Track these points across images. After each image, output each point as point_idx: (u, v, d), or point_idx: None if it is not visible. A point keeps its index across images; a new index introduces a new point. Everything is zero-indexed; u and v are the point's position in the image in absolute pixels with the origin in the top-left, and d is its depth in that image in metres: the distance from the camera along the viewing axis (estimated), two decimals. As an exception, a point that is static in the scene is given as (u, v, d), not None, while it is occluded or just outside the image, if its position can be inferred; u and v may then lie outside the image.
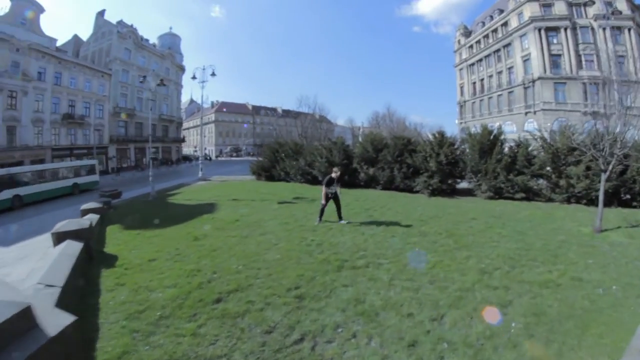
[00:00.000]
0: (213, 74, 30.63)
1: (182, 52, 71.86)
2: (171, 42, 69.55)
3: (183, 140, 67.08)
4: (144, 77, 26.48)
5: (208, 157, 76.91)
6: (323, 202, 9.23)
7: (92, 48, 51.77)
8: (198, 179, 26.74)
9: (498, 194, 13.98)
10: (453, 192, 15.50)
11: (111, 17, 63.53)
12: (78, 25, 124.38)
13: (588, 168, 12.36)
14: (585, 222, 9.56)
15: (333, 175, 9.34)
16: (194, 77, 33.79)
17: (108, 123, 47.37)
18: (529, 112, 45.27)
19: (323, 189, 9.18)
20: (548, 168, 13.70)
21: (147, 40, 60.82)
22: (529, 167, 14.03)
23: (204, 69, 31.91)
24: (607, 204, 11.71)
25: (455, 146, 16.02)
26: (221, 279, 5.40)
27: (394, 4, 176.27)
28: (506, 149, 15.08)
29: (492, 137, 15.04)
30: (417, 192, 15.56)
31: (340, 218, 9.38)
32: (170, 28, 74.83)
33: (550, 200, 13.34)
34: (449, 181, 15.51)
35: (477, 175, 14.88)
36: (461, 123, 60.89)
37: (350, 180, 17.44)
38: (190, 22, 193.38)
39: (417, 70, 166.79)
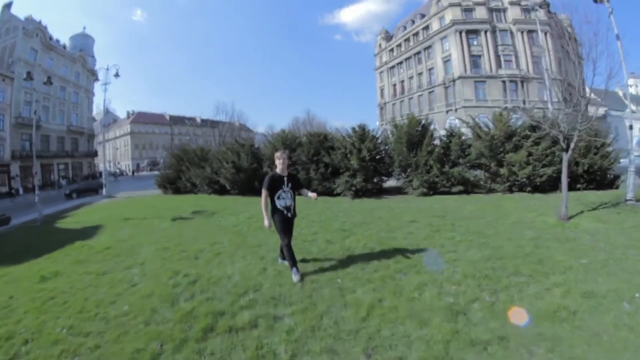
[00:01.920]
0: (117, 75, 26.65)
1: (97, 56, 64.08)
2: (83, 44, 61.59)
3: (95, 154, 59.40)
4: (28, 72, 21.03)
5: (122, 173, 69.83)
6: (266, 225, 4.72)
7: None
8: (102, 197, 23.56)
9: (432, 189, 12.41)
10: (380, 192, 13.56)
11: (22, 13, 54.43)
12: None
13: (529, 154, 11.65)
14: (543, 210, 8.44)
15: (278, 167, 4.93)
16: (96, 79, 29.43)
17: (10, 136, 39.76)
18: (450, 109, 46.81)
19: (263, 200, 4.78)
20: (484, 157, 12.55)
21: (57, 41, 53.14)
22: (464, 157, 12.72)
23: (107, 69, 27.70)
24: (552, 189, 11.41)
25: (379, 140, 14.19)
26: (27, 357, 3.37)
27: (317, 13, 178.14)
28: (437, 141, 13.63)
29: (421, 126, 13.44)
30: (338, 194, 13.37)
31: (283, 257, 5.20)
32: (84, 28, 66.57)
33: (491, 190, 12.13)
34: (375, 179, 13.53)
35: (407, 171, 13.19)
36: (382, 125, 61.65)
37: (261, 186, 14.66)
38: (110, 25, 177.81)
39: (338, 76, 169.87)
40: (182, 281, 4.82)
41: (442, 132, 14.12)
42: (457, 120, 40.45)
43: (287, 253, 4.78)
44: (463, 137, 13.22)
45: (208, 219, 10.14)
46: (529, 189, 11.72)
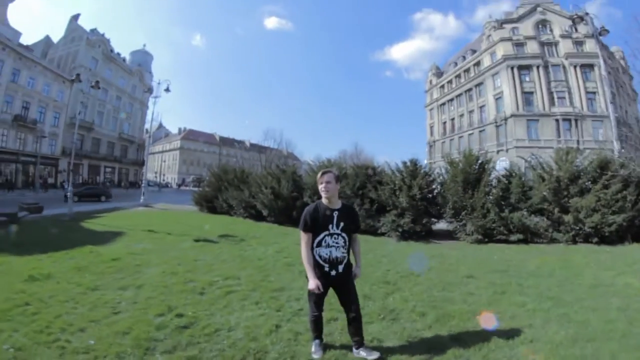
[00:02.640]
0: (167, 90, 27.92)
1: (155, 73, 68.74)
2: (142, 60, 66.63)
3: (143, 163, 62.31)
4: (78, 75, 22.17)
5: (167, 185, 72.84)
6: (312, 288, 3.02)
7: (60, 52, 48.74)
8: (139, 204, 24.02)
9: (488, 236, 10.85)
10: (428, 235, 12.06)
11: (89, 25, 59.97)
12: (58, 28, 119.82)
13: (597, 199, 10.09)
14: (619, 268, 6.91)
15: (323, 196, 3.23)
16: (148, 90, 30.90)
17: (63, 133, 42.96)
18: (501, 150, 44.55)
19: (303, 248, 3.17)
20: (547, 202, 11.05)
21: (118, 54, 57.59)
22: (525, 201, 11.19)
23: (159, 83, 28.83)
24: (619, 240, 9.82)
25: (431, 178, 12.92)
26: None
27: (368, 49, 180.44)
28: (494, 181, 12.21)
29: (478, 164, 12.05)
30: (382, 234, 12.00)
31: (358, 342, 3.28)
32: (144, 45, 71.57)
33: (553, 240, 10.49)
34: (424, 221, 12.06)
35: (461, 214, 11.66)
36: (430, 163, 59.73)
37: (299, 217, 13.74)
38: (170, 47, 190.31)
39: (387, 112, 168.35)
40: (170, 323, 3.92)
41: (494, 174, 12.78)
42: (507, 162, 38.96)
43: (312, 324, 3.32)
44: (523, 179, 11.76)
45: (234, 245, 9.37)
46: (595, 239, 10.00)
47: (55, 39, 51.33)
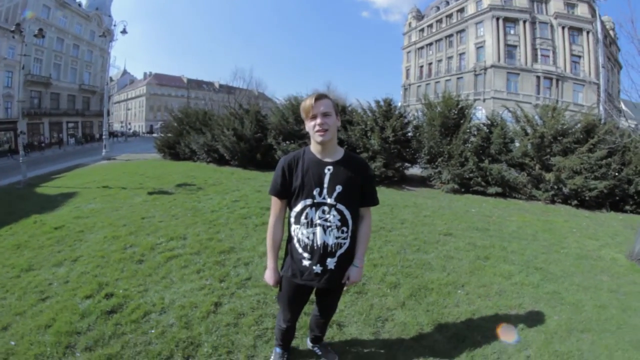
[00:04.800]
0: (124, 32, 25.52)
1: (118, 18, 62.77)
2: (100, 3, 60.39)
3: (108, 113, 58.47)
4: (18, 24, 19.08)
5: (134, 134, 70.14)
6: (268, 282, 2.08)
7: (6, 4, 43.16)
8: (101, 157, 22.78)
9: (465, 186, 10.38)
10: (401, 181, 11.45)
11: None
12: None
13: (581, 161, 9.60)
14: (602, 238, 6.39)
15: (317, 135, 1.84)
16: (103, 34, 28.56)
17: (19, 93, 39.33)
18: (478, 99, 43.87)
19: (271, 217, 2.03)
20: (528, 157, 10.51)
21: None
22: (506, 153, 10.60)
23: (114, 26, 26.22)
24: (597, 206, 9.55)
25: (406, 120, 12.11)
26: None
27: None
28: (474, 129, 11.47)
29: (458, 109, 11.26)
30: None
31: (316, 338, 2.53)
32: (102, -15, 64.99)
33: (531, 198, 10.08)
34: (397, 165, 11.33)
35: (437, 160, 11.09)
36: (405, 107, 58.17)
37: (264, 160, 13.18)
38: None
39: (362, 54, 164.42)
40: (97, 308, 3.20)
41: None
42: (483, 111, 38.66)
43: (278, 333, 2.33)
44: (505, 129, 11.04)
45: (189, 195, 8.58)
46: (574, 202, 9.62)
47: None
